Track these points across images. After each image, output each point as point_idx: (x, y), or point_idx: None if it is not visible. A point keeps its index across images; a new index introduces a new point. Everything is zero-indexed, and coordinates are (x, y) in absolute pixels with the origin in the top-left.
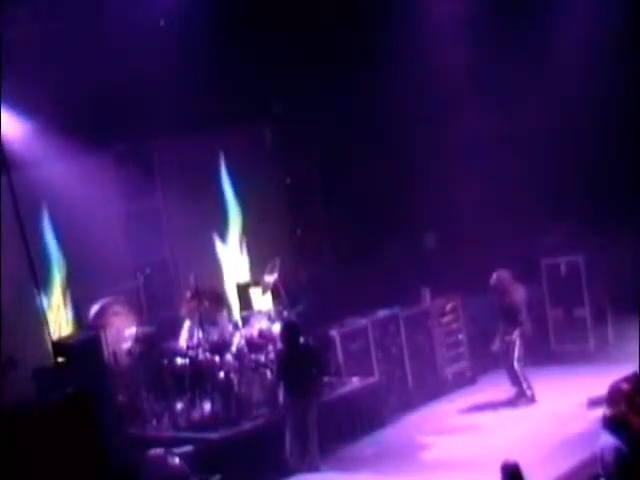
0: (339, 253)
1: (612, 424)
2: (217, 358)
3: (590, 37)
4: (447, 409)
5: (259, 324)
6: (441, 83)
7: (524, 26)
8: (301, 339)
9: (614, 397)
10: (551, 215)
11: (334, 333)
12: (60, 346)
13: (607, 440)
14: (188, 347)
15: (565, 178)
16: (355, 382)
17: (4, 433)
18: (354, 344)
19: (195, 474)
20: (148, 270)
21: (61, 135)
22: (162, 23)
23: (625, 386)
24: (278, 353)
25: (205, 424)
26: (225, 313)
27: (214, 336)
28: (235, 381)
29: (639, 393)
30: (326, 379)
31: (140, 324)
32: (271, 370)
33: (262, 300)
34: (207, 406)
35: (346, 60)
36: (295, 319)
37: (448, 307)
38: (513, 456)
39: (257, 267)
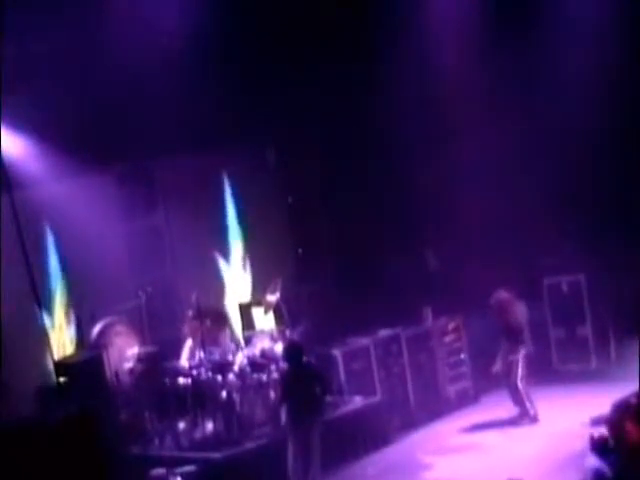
0: (341, 272)
1: (599, 446)
2: (219, 378)
3: (593, 54)
4: (449, 428)
5: (261, 344)
6: (442, 101)
7: (527, 42)
8: (304, 358)
9: (620, 410)
10: (553, 234)
11: (336, 352)
12: (62, 366)
13: (592, 463)
14: (190, 367)
15: (567, 197)
16: (357, 401)
17: (5, 452)
18: (356, 363)
19: None
20: (150, 289)
21: (63, 154)
22: (165, 42)
23: (634, 400)
24: (282, 373)
25: (207, 444)
26: (227, 333)
27: (216, 356)
28: (237, 401)
29: None
30: (329, 398)
31: (142, 343)
32: (273, 389)
33: (264, 320)
34: (209, 426)
35: (347, 78)
36: (297, 338)
37: (450, 326)
38: (516, 475)
39: (259, 286)
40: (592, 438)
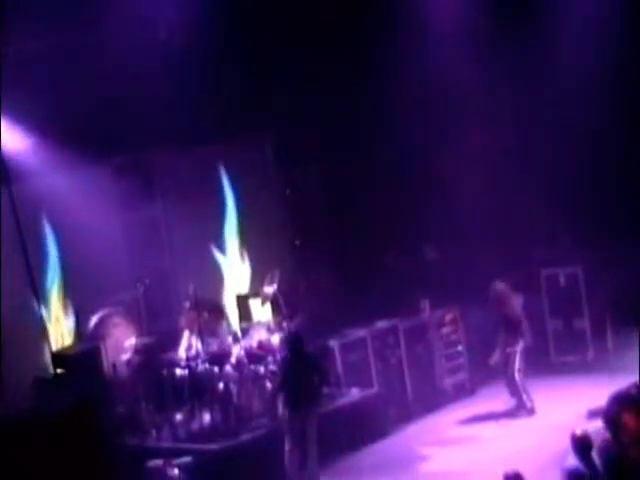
0: (338, 264)
1: (579, 444)
2: (216, 369)
3: (592, 53)
4: (446, 420)
5: (258, 335)
6: (442, 97)
7: (527, 41)
8: (304, 349)
9: (618, 402)
10: (550, 227)
11: (333, 344)
12: (60, 357)
13: (570, 463)
14: (187, 358)
15: (564, 190)
16: (354, 393)
17: (3, 444)
18: (353, 355)
19: None
20: (147, 281)
21: (61, 147)
22: (163, 37)
23: (632, 392)
24: (280, 362)
25: (204, 435)
26: (224, 324)
27: (213, 347)
28: (234, 392)
29: None
30: (325, 390)
31: (139, 335)
32: (270, 380)
33: (262, 311)
34: (206, 417)
35: (346, 74)
36: (295, 330)
37: (447, 318)
38: (512, 467)
39: (257, 278)
40: (573, 436)
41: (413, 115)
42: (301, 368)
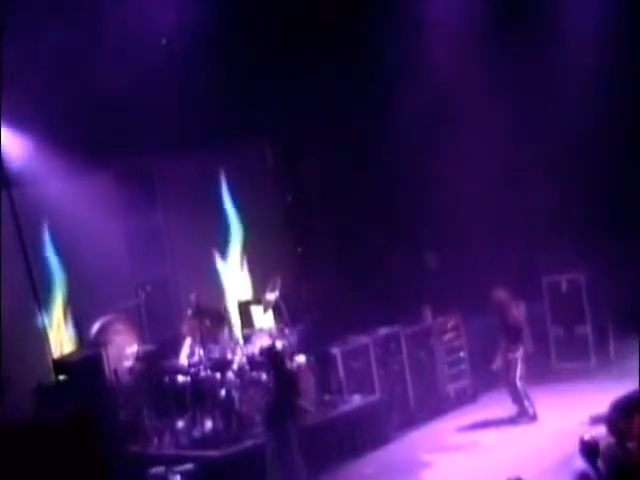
0: (340, 271)
1: (588, 449)
2: (218, 376)
3: (592, 54)
4: (448, 427)
5: (260, 342)
6: (442, 100)
7: (528, 40)
8: (284, 363)
9: (626, 407)
10: (553, 233)
11: (335, 351)
12: (61, 364)
13: (578, 466)
14: (189, 365)
15: (567, 196)
16: (356, 400)
17: (5, 450)
18: (355, 362)
19: None
20: (149, 288)
21: (62, 153)
22: (164, 41)
23: (637, 397)
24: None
25: (206, 442)
26: (226, 331)
27: (215, 354)
28: (236, 399)
29: None
30: (326, 397)
31: (141, 342)
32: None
33: (263, 318)
34: (208, 424)
35: (346, 77)
36: (297, 337)
37: (449, 325)
38: (514, 474)
39: (258, 285)
40: (582, 441)
41: (413, 118)
42: (279, 384)
